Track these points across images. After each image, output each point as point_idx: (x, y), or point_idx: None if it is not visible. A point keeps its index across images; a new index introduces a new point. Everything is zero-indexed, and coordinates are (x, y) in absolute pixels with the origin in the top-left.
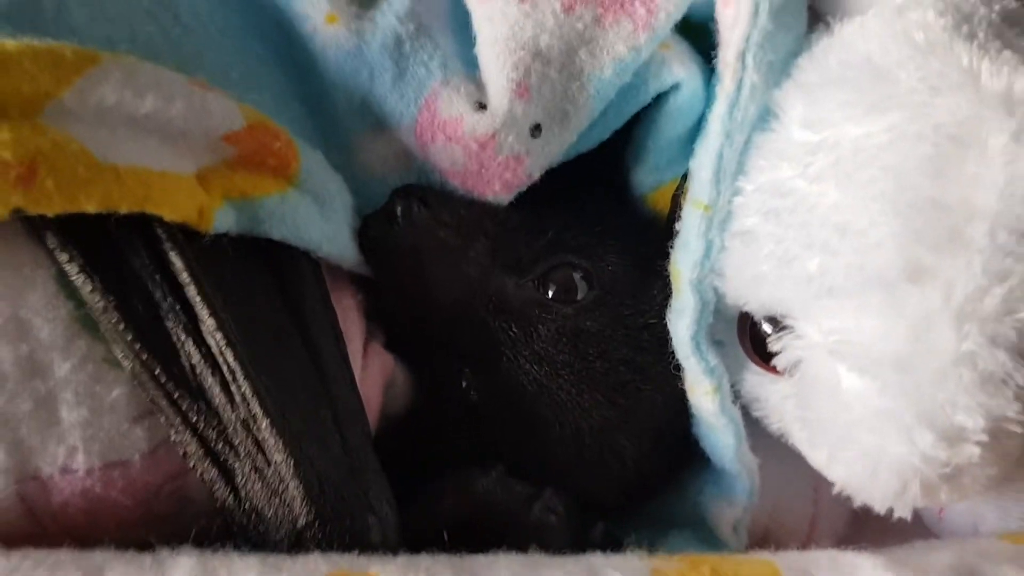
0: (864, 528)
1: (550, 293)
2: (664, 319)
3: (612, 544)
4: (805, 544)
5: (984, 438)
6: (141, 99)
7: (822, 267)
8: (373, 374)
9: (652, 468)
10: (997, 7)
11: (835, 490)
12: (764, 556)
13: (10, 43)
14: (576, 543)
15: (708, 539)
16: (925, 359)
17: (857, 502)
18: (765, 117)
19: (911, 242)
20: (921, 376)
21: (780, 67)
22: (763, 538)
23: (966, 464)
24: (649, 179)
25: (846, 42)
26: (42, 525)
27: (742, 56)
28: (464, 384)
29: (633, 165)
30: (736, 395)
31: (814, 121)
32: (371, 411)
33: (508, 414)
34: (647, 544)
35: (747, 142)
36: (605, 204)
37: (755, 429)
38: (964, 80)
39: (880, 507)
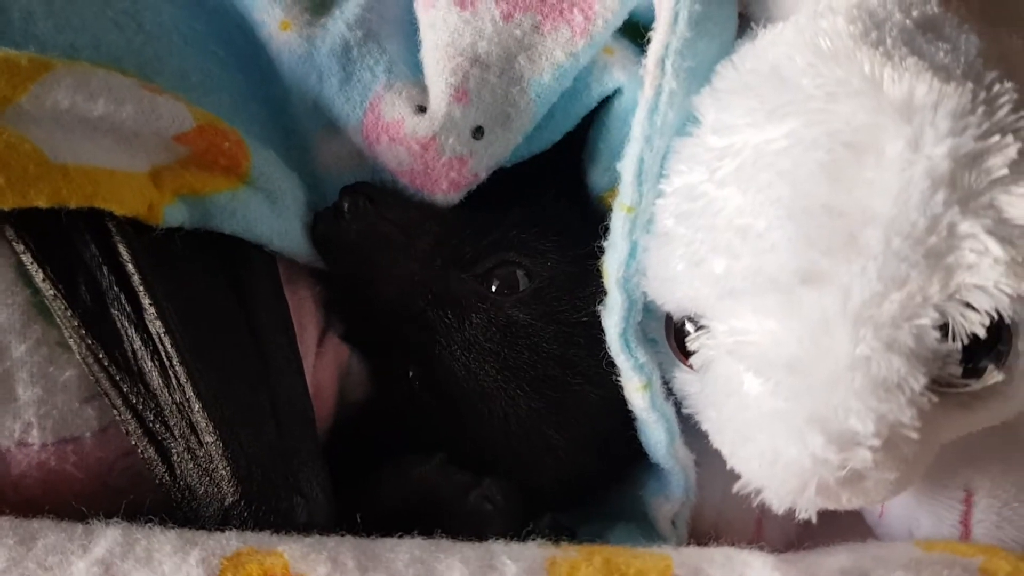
0: (814, 531)
1: (493, 288)
2: (599, 316)
3: (562, 534)
4: (752, 542)
5: (876, 443)
6: (93, 102)
7: (726, 269)
8: (327, 363)
9: (589, 461)
10: (915, 12)
11: (737, 486)
12: (663, 550)
13: None
14: (518, 532)
15: (650, 533)
16: (819, 362)
17: (758, 500)
18: (687, 122)
19: (805, 246)
20: (814, 379)
21: (703, 73)
22: (710, 534)
23: (862, 468)
24: (603, 179)
25: (760, 49)
26: (3, 494)
27: (661, 62)
28: (411, 374)
29: (589, 165)
30: (670, 392)
31: (722, 127)
32: (325, 398)
33: (445, 403)
34: (596, 536)
35: (669, 146)
36: (557, 203)
37: None
38: (864, 87)
39: (779, 506)
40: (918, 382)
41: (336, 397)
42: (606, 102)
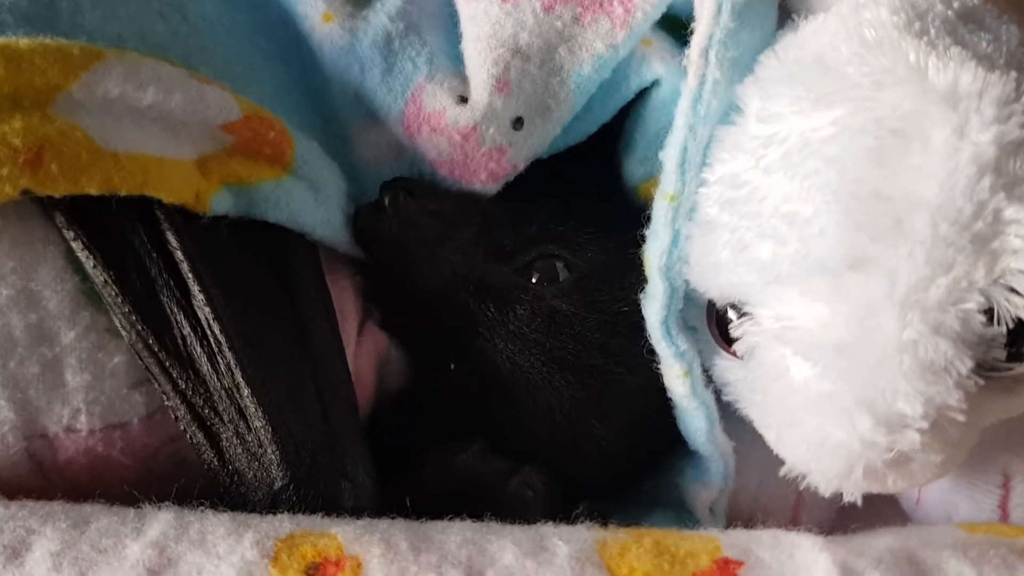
0: (850, 519)
1: (533, 279)
2: (639, 305)
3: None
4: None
5: (924, 425)
6: (143, 91)
7: (772, 255)
8: (367, 351)
9: (629, 449)
10: (956, 4)
11: (783, 470)
12: (709, 532)
13: (23, 41)
14: (556, 519)
15: (688, 520)
16: (867, 345)
17: (804, 484)
18: (730, 111)
19: (853, 231)
20: (862, 362)
21: (745, 63)
22: (747, 521)
23: (909, 450)
24: (639, 170)
25: (803, 39)
26: (50, 480)
27: (705, 53)
28: (452, 366)
29: (624, 157)
30: (710, 379)
31: (768, 115)
32: (364, 386)
33: (487, 393)
34: (632, 523)
35: (712, 135)
36: (594, 195)
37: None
38: (910, 75)
39: (826, 489)
40: (965, 365)
41: (375, 385)
42: (643, 93)
